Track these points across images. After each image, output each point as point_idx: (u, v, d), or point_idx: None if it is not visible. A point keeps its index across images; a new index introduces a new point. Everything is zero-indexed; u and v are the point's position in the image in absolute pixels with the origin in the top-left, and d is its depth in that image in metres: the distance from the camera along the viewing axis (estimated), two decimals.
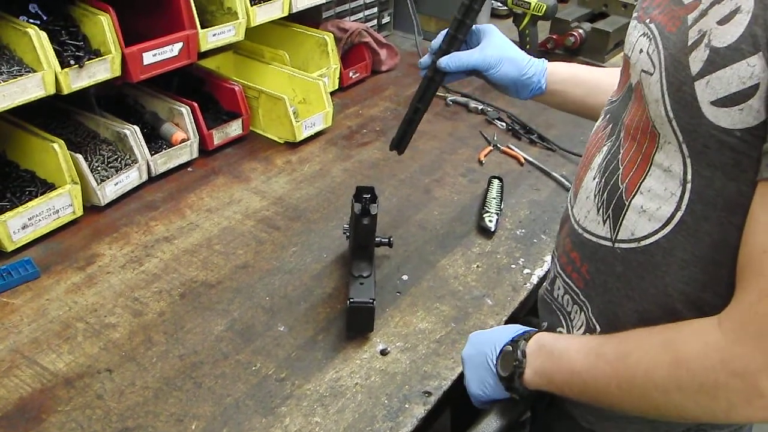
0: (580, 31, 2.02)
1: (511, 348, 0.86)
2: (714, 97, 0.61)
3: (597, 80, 1.07)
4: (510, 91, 1.12)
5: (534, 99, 1.14)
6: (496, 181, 1.46)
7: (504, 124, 1.73)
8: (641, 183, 0.74)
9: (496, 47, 1.08)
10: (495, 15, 2.33)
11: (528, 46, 1.93)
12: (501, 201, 1.41)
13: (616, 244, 0.78)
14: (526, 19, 1.89)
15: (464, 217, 1.39)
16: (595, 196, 0.82)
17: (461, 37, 1.07)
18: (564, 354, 0.80)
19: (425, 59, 1.12)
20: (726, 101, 0.60)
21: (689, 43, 0.64)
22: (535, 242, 1.33)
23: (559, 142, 1.65)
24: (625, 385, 0.72)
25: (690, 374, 0.66)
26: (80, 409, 0.94)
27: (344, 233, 1.21)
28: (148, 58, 1.31)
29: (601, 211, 0.81)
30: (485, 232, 1.34)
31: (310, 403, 0.97)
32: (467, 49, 1.09)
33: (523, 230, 1.36)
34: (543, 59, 1.12)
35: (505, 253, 1.29)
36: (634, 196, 0.75)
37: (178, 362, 1.02)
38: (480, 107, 1.79)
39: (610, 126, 0.84)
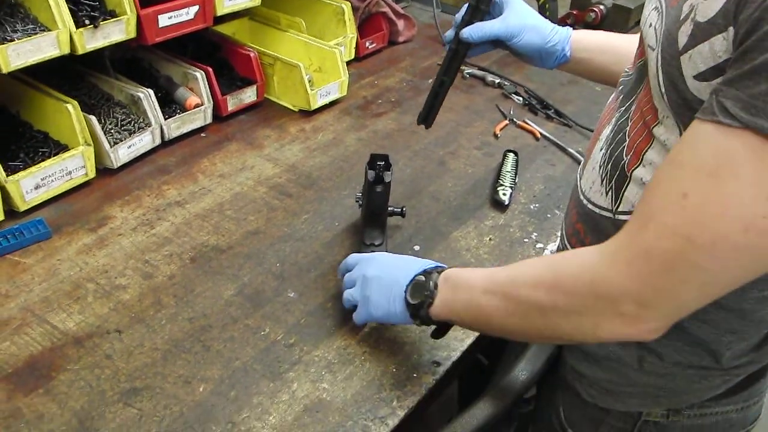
0: (601, 7, 1.98)
1: (423, 278, 0.89)
2: (695, 71, 0.60)
3: (622, 47, 1.05)
4: (535, 60, 1.11)
5: (559, 68, 1.12)
6: (511, 155, 1.44)
7: (521, 98, 1.70)
8: (644, 155, 0.73)
9: (518, 16, 1.06)
10: None
11: None
12: (516, 175, 1.39)
13: (617, 216, 0.78)
14: None
15: (478, 189, 1.38)
16: (600, 167, 0.82)
17: (483, 7, 1.06)
18: (465, 283, 0.84)
19: (449, 33, 1.11)
20: (706, 75, 0.59)
21: (681, 17, 0.62)
22: (549, 217, 1.31)
23: (575, 118, 1.62)
24: (511, 307, 0.76)
25: (563, 293, 0.70)
26: (89, 368, 0.95)
27: (357, 201, 1.20)
28: (164, 20, 1.30)
29: (604, 182, 0.80)
30: (499, 206, 1.32)
31: (318, 369, 0.97)
32: (490, 20, 1.07)
33: (537, 205, 1.34)
34: (567, 27, 1.10)
35: (518, 227, 1.28)
36: (636, 167, 0.74)
37: (188, 325, 1.02)
38: (497, 81, 1.77)
39: (621, 98, 0.83)
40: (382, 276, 0.93)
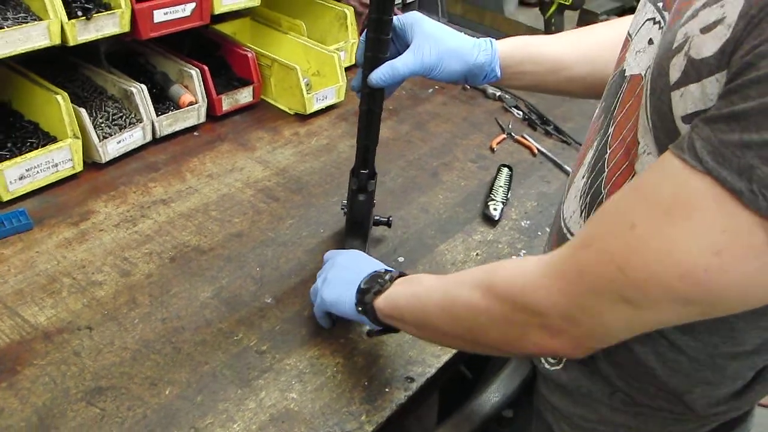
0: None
1: (383, 272, 0.89)
2: (684, 111, 0.56)
3: (557, 56, 0.97)
4: (460, 82, 0.99)
5: (490, 84, 1.02)
6: (505, 170, 1.42)
7: (521, 112, 1.68)
8: None
9: (430, 42, 0.91)
10: (523, 2, 2.27)
11: None
12: (508, 190, 1.37)
13: None
14: (553, 8, 1.83)
15: (469, 203, 1.36)
16: (580, 198, 0.78)
17: (385, 36, 0.88)
18: (416, 280, 0.83)
19: (356, 81, 0.95)
20: (693, 118, 0.54)
21: (674, 46, 0.57)
22: (539, 235, 1.29)
23: (574, 136, 1.60)
24: (447, 304, 0.74)
25: (496, 297, 0.67)
26: (56, 364, 0.93)
27: (342, 209, 1.18)
28: (159, 15, 1.29)
29: (583, 213, 0.76)
30: (489, 221, 1.30)
31: (288, 378, 0.95)
32: (397, 51, 0.93)
33: (528, 221, 1.32)
34: (490, 39, 0.97)
35: (507, 243, 1.26)
36: None
37: (160, 325, 1.01)
38: (498, 93, 1.75)
39: (602, 118, 0.78)
40: (347, 264, 0.95)
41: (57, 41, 1.16)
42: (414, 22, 0.93)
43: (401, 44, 0.95)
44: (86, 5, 1.20)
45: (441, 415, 1.43)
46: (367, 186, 1.03)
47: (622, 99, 0.72)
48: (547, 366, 0.87)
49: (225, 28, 1.65)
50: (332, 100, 1.60)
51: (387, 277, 0.87)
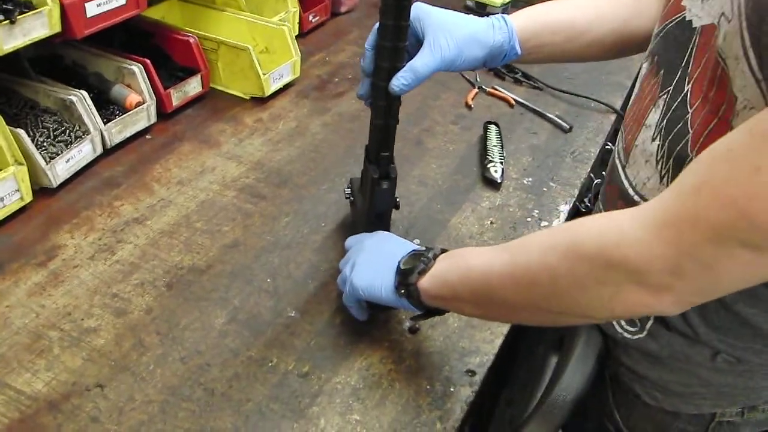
0: None
1: (424, 249, 0.82)
2: None
3: (571, 21, 0.89)
4: (479, 68, 0.90)
5: (508, 63, 0.92)
6: (493, 127, 1.34)
7: None
8: None
9: (446, 35, 0.83)
10: None
11: None
12: (502, 148, 1.29)
13: None
14: None
15: (465, 168, 1.27)
16: (657, 162, 0.71)
17: (402, 44, 0.80)
18: (467, 253, 0.76)
19: (364, 88, 0.89)
20: None
21: None
22: (545, 191, 1.22)
23: (544, 80, 1.54)
24: (518, 272, 0.66)
25: (581, 257, 0.60)
26: None
27: (347, 198, 1.07)
28: (92, 9, 1.11)
29: (665, 179, 0.70)
30: (492, 184, 1.22)
31: (344, 398, 0.85)
32: (409, 52, 0.85)
33: (530, 178, 1.25)
34: (501, 15, 0.88)
35: (517, 206, 1.18)
36: None
37: (181, 366, 0.88)
38: None
39: (662, 73, 0.71)
40: (377, 247, 0.86)
41: None
42: (421, 15, 0.83)
43: (411, 42, 0.84)
44: (5, 6, 1.01)
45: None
46: (389, 172, 0.92)
47: (696, 53, 0.66)
48: (626, 335, 0.81)
49: (151, 13, 1.47)
50: (288, 77, 1.46)
51: (429, 254, 0.79)
